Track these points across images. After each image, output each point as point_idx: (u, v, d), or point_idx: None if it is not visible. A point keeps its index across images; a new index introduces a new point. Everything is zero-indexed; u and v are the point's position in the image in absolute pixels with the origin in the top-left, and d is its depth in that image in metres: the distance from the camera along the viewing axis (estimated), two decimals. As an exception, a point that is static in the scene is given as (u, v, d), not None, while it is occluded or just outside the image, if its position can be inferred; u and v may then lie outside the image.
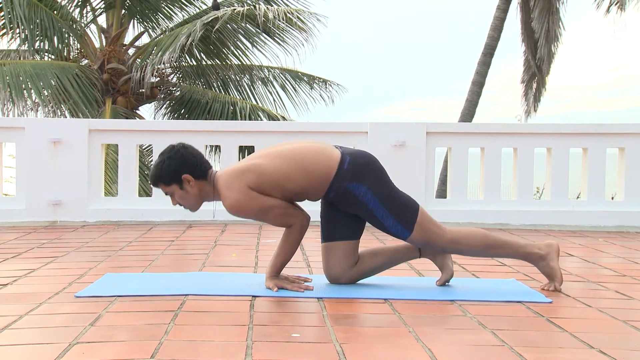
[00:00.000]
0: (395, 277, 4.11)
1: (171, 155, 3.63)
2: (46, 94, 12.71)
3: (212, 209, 3.98)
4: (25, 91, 12.62)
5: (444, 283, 3.86)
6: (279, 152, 3.67)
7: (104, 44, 13.97)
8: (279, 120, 13.78)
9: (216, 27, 12.72)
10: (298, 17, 12.91)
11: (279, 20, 12.64)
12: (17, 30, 12.58)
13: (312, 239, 5.59)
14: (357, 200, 3.66)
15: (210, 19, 12.46)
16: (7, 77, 12.39)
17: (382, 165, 3.76)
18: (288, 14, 12.65)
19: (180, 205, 3.70)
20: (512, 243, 3.81)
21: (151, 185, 3.73)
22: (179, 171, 3.60)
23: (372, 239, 5.41)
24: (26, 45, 12.84)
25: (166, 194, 3.68)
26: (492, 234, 3.83)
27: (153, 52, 13.01)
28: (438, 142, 7.04)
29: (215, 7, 13.40)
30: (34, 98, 12.82)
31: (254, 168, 3.60)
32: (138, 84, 13.25)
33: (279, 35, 13.71)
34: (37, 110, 13.00)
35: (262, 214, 3.63)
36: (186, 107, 14.22)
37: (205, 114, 13.79)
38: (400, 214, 3.67)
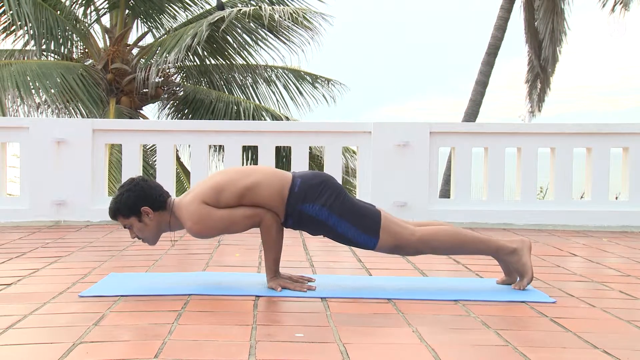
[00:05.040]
0: (398, 277, 4.12)
1: (130, 188, 3.66)
2: (53, 92, 12.72)
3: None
4: (33, 90, 12.64)
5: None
6: (234, 169, 3.73)
7: (108, 44, 13.99)
8: (282, 120, 13.78)
9: (222, 28, 12.72)
10: (304, 16, 12.90)
11: (285, 20, 12.63)
12: (25, 28, 12.58)
13: (315, 239, 5.59)
14: (315, 220, 3.62)
15: (216, 19, 12.45)
16: (15, 77, 12.42)
17: (337, 182, 3.71)
18: (294, 14, 12.64)
19: (139, 238, 3.73)
20: (483, 238, 3.75)
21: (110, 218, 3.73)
22: (137, 204, 3.62)
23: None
24: (33, 43, 12.84)
25: (125, 226, 3.70)
26: (463, 230, 3.74)
27: (157, 52, 13.02)
28: (441, 141, 7.03)
29: (220, 7, 13.38)
30: (41, 97, 12.84)
31: (210, 185, 3.61)
32: (142, 83, 13.26)
33: (285, 34, 13.69)
34: (41, 111, 13.01)
35: (228, 225, 3.60)
36: (190, 107, 14.22)
37: (209, 114, 13.79)
38: (362, 223, 3.62)
